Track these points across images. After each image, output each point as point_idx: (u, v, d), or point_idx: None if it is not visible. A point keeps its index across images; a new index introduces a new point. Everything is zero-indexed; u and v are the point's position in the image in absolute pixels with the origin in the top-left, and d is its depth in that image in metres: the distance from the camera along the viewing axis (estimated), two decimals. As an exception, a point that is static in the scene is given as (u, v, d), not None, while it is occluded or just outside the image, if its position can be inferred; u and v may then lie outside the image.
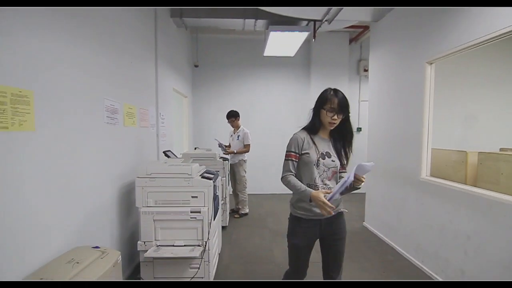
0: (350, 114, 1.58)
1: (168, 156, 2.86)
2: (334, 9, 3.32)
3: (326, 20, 3.59)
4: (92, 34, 1.94)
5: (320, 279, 1.74)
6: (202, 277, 2.27)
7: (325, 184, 1.57)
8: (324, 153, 1.60)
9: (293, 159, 1.59)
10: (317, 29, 4.00)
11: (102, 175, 2.10)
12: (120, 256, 1.66)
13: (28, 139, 1.38)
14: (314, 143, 1.60)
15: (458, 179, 2.46)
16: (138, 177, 2.18)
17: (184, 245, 2.20)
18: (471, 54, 2.33)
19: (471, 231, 2.13)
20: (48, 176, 1.52)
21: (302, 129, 1.66)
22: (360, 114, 5.71)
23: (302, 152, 1.58)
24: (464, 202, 2.19)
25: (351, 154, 1.66)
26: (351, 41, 5.60)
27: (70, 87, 1.70)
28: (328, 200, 1.39)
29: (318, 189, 1.53)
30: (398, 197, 3.14)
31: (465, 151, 2.46)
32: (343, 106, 1.52)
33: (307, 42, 5.17)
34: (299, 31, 3.87)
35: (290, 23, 3.89)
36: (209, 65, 5.62)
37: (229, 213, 4.13)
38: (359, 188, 1.49)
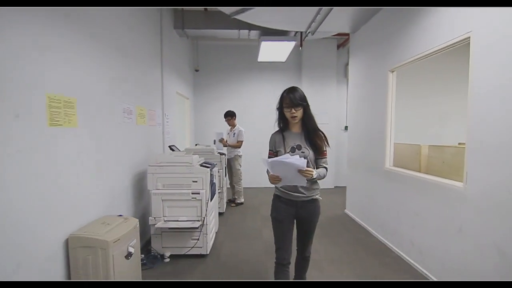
0: (307, 105, 1.78)
1: (173, 150, 3.38)
2: (316, 22, 3.81)
3: (309, 32, 4.09)
4: (111, 49, 2.46)
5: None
6: (201, 247, 2.80)
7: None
8: (295, 146, 1.80)
9: (271, 156, 1.84)
10: (304, 38, 4.50)
11: (121, 163, 2.62)
12: (138, 223, 2.19)
13: (73, 133, 1.90)
14: (284, 139, 1.82)
15: (414, 168, 2.96)
16: (149, 165, 2.71)
17: (187, 220, 2.72)
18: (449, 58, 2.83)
19: (419, 209, 2.63)
20: (86, 161, 2.05)
21: (278, 131, 1.89)
22: (347, 114, 6.21)
23: (276, 150, 1.84)
24: (416, 186, 2.69)
25: (322, 139, 1.81)
26: (338, 46, 6.10)
27: (98, 94, 2.22)
28: (274, 172, 1.63)
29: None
30: (369, 185, 3.65)
31: (419, 145, 2.96)
32: (295, 101, 1.73)
33: (298, 48, 5.67)
34: (287, 40, 4.38)
35: (279, 33, 4.40)
36: (209, 69, 6.15)
37: (226, 202, 4.66)
38: (312, 178, 1.64)
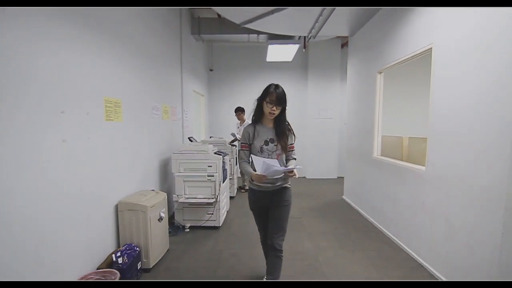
0: (285, 106, 1.89)
1: (191, 141, 4.00)
2: (316, 28, 4.29)
3: (311, 36, 4.56)
4: (143, 57, 3.07)
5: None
6: (214, 220, 3.41)
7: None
8: (268, 140, 1.91)
9: (245, 149, 1.96)
10: (307, 41, 4.98)
11: (152, 150, 3.26)
12: (166, 196, 2.81)
13: (120, 126, 2.52)
14: (257, 133, 1.91)
15: (397, 157, 3.42)
16: (174, 153, 3.34)
17: (203, 198, 3.33)
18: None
19: (396, 191, 3.12)
20: (129, 148, 2.67)
21: (251, 123, 2.00)
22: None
23: (250, 142, 1.93)
24: (395, 172, 3.17)
25: (289, 136, 1.94)
26: (342, 46, 6.50)
27: (135, 95, 2.84)
28: (262, 173, 1.76)
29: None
30: (361, 172, 4.14)
31: (401, 137, 3.42)
32: (280, 99, 1.82)
33: (302, 49, 6.14)
34: (291, 43, 4.87)
35: (285, 37, 4.90)
36: (222, 69, 6.74)
37: (237, 188, 5.25)
38: (294, 177, 1.80)
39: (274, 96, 1.83)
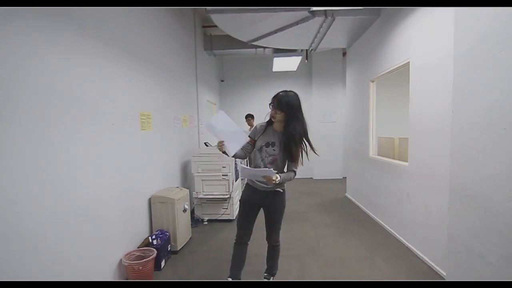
0: (291, 113, 1.84)
1: (207, 145, 4.53)
2: (316, 41, 4.77)
3: (312, 49, 5.06)
4: (166, 75, 3.64)
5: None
6: (229, 214, 3.91)
7: (266, 167, 1.91)
8: (270, 142, 1.94)
9: (251, 143, 2.00)
10: (310, 53, 5.47)
11: (174, 154, 3.80)
12: (189, 191, 3.34)
13: (150, 135, 3.07)
14: (265, 133, 1.96)
15: (390, 155, 3.84)
16: (193, 156, 3.88)
17: (219, 194, 3.85)
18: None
19: (388, 185, 3.54)
20: (158, 152, 3.22)
21: (266, 123, 2.02)
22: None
23: (256, 138, 1.98)
24: (388, 169, 3.60)
25: (298, 149, 1.90)
26: (344, 54, 6.96)
27: (161, 107, 3.40)
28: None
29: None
30: (360, 171, 4.57)
31: (392, 138, 3.85)
32: (280, 103, 1.83)
33: (309, 56, 6.64)
34: (294, 56, 5.38)
35: (288, 50, 5.41)
36: (232, 79, 7.31)
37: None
38: (276, 183, 1.80)
39: (275, 100, 1.89)
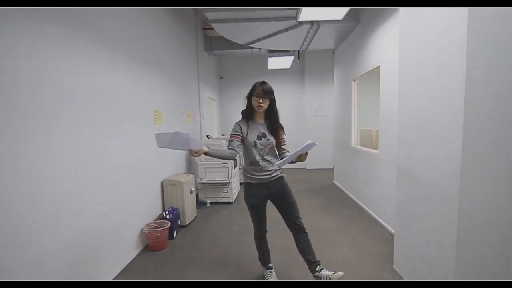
0: (273, 99, 2.00)
1: (208, 138, 5.09)
2: (306, 43, 5.29)
3: (303, 50, 5.57)
4: (173, 76, 4.17)
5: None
6: (228, 197, 4.49)
7: (264, 159, 2.01)
8: (260, 135, 2.01)
9: (234, 139, 1.98)
10: (301, 53, 5.98)
11: (180, 145, 4.36)
12: (194, 176, 3.91)
13: (162, 128, 3.62)
14: (250, 129, 2.00)
15: (369, 145, 4.40)
16: (196, 146, 4.43)
17: (219, 180, 4.42)
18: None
19: (365, 171, 4.11)
20: (166, 142, 3.77)
21: (242, 118, 2.08)
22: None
23: (243, 135, 1.98)
24: (365, 156, 4.17)
25: (280, 130, 2.07)
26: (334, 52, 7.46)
27: (169, 104, 3.94)
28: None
29: (259, 165, 2.00)
30: (344, 159, 5.15)
31: (371, 130, 4.41)
32: (266, 92, 1.93)
33: (301, 55, 7.15)
34: (287, 55, 5.90)
35: (281, 51, 5.92)
36: (230, 76, 7.82)
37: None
38: (303, 161, 1.92)
39: (259, 90, 1.97)
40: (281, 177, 2.14)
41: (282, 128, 2.13)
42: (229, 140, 2.00)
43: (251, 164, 2.04)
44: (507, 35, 1.51)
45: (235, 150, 1.97)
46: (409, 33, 2.19)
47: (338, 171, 5.68)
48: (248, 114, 2.08)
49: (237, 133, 2.01)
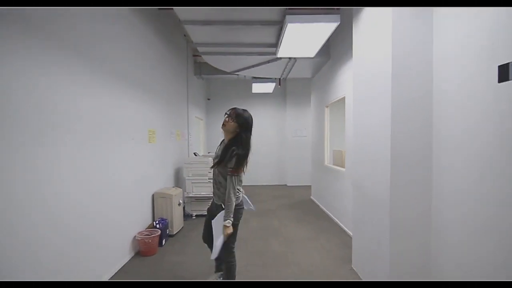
0: (241, 127, 2.05)
1: (196, 155, 5.52)
2: (285, 73, 5.95)
3: (283, 78, 6.23)
4: (164, 98, 4.65)
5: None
6: (213, 210, 4.88)
7: (215, 178, 2.21)
8: (216, 156, 2.17)
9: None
10: (282, 80, 6.65)
11: (170, 161, 4.77)
12: (182, 190, 4.31)
13: (154, 146, 4.05)
14: (218, 148, 2.26)
15: (339, 164, 4.99)
16: (185, 163, 4.86)
17: (205, 194, 4.83)
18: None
19: (335, 186, 4.66)
20: (158, 160, 4.19)
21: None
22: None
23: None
24: (335, 174, 4.73)
25: (230, 162, 2.04)
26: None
27: (161, 124, 4.38)
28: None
29: (212, 181, 2.23)
30: (319, 176, 5.71)
31: (341, 150, 5.00)
32: (232, 114, 2.06)
33: (283, 81, 7.83)
34: (269, 82, 6.55)
35: (264, 77, 6.55)
36: (217, 98, 8.39)
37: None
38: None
39: (229, 110, 2.12)
40: (220, 205, 2.19)
41: (237, 156, 2.03)
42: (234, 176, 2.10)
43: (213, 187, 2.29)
44: (417, 89, 2.12)
45: (238, 184, 2.16)
46: (360, 72, 2.81)
47: (315, 187, 6.21)
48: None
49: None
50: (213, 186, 2.25)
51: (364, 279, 2.67)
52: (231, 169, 2.03)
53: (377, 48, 2.38)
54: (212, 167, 2.21)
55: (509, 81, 1.50)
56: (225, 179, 2.09)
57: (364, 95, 2.70)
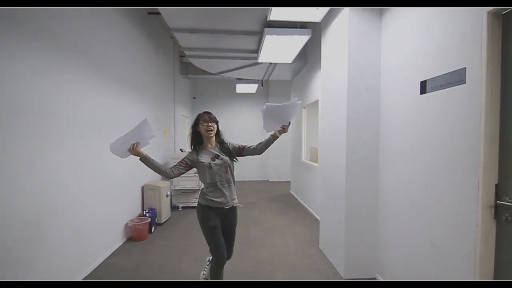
0: (218, 122, 2.12)
1: (182, 151, 5.86)
2: (267, 75, 6.38)
3: (265, 80, 6.66)
4: (153, 98, 4.96)
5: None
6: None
7: (222, 178, 2.10)
8: (214, 157, 2.09)
9: (179, 164, 2.14)
10: (264, 81, 7.08)
11: (158, 156, 5.08)
12: (170, 184, 4.65)
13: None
14: (201, 154, 2.09)
15: (315, 160, 5.47)
16: (171, 158, 5.20)
17: (190, 187, 5.19)
18: (315, 105, 5.40)
19: (310, 180, 5.14)
20: (148, 154, 4.51)
21: (192, 150, 2.15)
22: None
23: (190, 164, 2.12)
24: (309, 169, 5.21)
25: (231, 145, 2.19)
26: (294, 81, 8.71)
27: (151, 122, 4.68)
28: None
29: (216, 184, 2.06)
30: (297, 171, 6.19)
31: (316, 148, 5.49)
32: (212, 118, 2.08)
33: (265, 82, 8.27)
34: (252, 83, 6.96)
35: (248, 79, 6.96)
36: (203, 97, 8.72)
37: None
38: (286, 131, 2.17)
39: (206, 116, 2.09)
40: (236, 207, 2.21)
41: (232, 144, 2.23)
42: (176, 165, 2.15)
43: (209, 185, 2.09)
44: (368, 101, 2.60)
45: (173, 172, 2.13)
46: (326, 82, 3.28)
47: (294, 182, 6.70)
48: (198, 142, 2.17)
49: (185, 161, 2.15)
50: (218, 190, 2.11)
51: (328, 256, 3.14)
52: (240, 145, 2.23)
53: (337, 62, 2.85)
54: (227, 166, 2.15)
55: (427, 93, 1.99)
56: (232, 173, 2.20)
57: (327, 105, 3.18)
